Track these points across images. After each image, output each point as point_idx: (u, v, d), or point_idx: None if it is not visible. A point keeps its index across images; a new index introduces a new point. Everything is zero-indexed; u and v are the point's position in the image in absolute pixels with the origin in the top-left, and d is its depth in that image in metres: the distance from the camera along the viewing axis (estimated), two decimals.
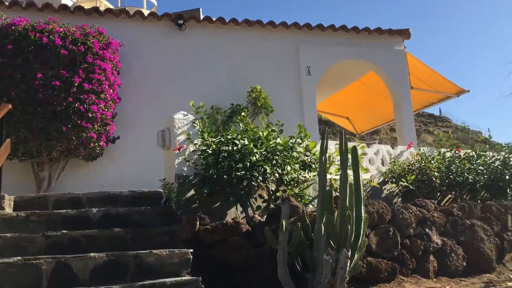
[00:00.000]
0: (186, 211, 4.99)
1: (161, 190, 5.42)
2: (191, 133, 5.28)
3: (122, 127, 7.84)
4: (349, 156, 4.12)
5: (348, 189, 3.91)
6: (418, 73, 10.28)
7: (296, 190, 5.10)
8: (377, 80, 10.84)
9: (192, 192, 5.10)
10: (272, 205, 5.15)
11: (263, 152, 4.99)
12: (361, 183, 3.82)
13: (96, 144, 7.24)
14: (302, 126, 5.37)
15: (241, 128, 7.95)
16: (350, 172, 4.24)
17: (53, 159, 7.25)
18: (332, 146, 6.55)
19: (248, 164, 4.81)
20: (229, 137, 5.07)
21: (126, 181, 7.62)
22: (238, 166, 4.82)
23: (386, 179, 6.66)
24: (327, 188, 4.07)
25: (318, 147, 5.66)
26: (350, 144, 6.41)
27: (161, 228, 4.57)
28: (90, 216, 4.65)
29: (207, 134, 5.19)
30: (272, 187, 5.18)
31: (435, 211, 5.15)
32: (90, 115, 7.02)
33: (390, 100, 11.70)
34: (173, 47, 8.54)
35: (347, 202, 3.86)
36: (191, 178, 5.16)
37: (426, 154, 6.91)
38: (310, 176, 5.28)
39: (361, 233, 3.68)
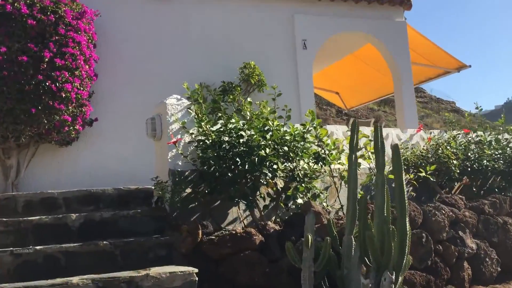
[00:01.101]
0: (183, 214, 4.27)
1: (151, 187, 4.68)
2: (186, 121, 4.51)
3: (100, 107, 6.97)
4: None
5: (385, 196, 3.24)
6: (417, 46, 9.62)
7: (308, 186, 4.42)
8: (372, 54, 10.17)
9: (188, 189, 4.37)
10: (281, 203, 4.47)
11: (272, 144, 4.26)
12: (404, 190, 3.16)
13: (71, 128, 6.37)
14: (313, 112, 4.64)
15: (234, 109, 7.24)
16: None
17: (21, 145, 6.37)
18: (340, 132, 5.88)
19: (257, 159, 4.09)
20: (230, 126, 4.32)
21: (105, 167, 6.86)
22: (244, 161, 4.09)
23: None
24: (358, 193, 3.39)
25: (330, 135, 4.99)
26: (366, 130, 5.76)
27: (156, 239, 3.83)
28: (68, 223, 3.88)
29: (205, 122, 4.42)
30: (281, 183, 4.48)
31: (466, 210, 4.56)
32: (64, 95, 6.13)
33: (384, 75, 11.10)
34: (156, 16, 7.61)
35: (385, 211, 3.20)
36: (187, 173, 4.42)
37: (440, 139, 6.31)
38: (323, 169, 4.59)
39: (406, 251, 3.03)
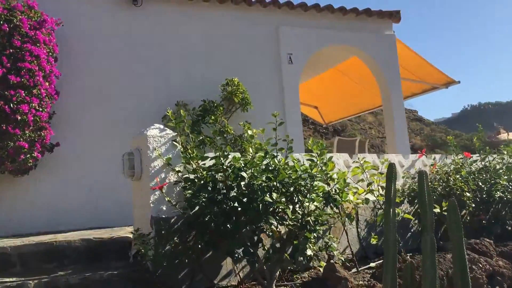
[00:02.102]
0: (168, 271, 3.48)
1: (127, 235, 3.86)
2: (171, 156, 3.72)
3: (62, 130, 6.06)
4: None
5: (435, 263, 2.55)
6: (405, 61, 9.11)
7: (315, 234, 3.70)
8: (356, 68, 9.64)
9: (174, 239, 3.58)
10: (286, 255, 3.73)
11: (278, 186, 3.53)
12: (466, 262, 2.47)
13: (28, 155, 5.46)
14: (322, 144, 3.93)
15: (215, 129, 6.47)
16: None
17: None
18: (341, 161, 5.21)
19: (261, 205, 3.35)
20: (226, 162, 3.56)
21: (68, 200, 5.99)
22: (245, 208, 3.34)
23: (402, 198, 5.41)
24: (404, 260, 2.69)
25: (336, 170, 4.30)
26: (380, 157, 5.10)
27: None
28: None
29: (195, 157, 3.65)
30: (284, 230, 3.75)
31: (499, 258, 3.94)
32: (19, 118, 5.24)
33: (366, 89, 10.60)
34: (126, 26, 6.77)
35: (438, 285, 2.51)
36: (173, 221, 3.63)
37: (445, 167, 5.73)
38: (332, 213, 3.89)
39: None
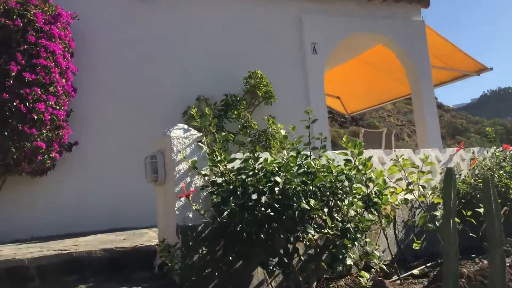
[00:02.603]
0: (197, 284, 3.21)
1: (152, 243, 3.61)
2: (196, 159, 3.44)
3: (81, 128, 5.84)
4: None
5: None
6: (433, 48, 8.68)
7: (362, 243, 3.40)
8: (381, 56, 9.24)
9: (203, 249, 3.31)
10: (323, 264, 3.43)
11: (316, 191, 3.23)
12: None
13: (46, 156, 5.24)
14: (360, 142, 3.61)
15: (239, 126, 6.19)
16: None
17: None
18: (375, 158, 4.88)
19: (297, 212, 3.06)
20: (256, 164, 3.27)
21: (89, 200, 5.75)
22: (280, 215, 3.06)
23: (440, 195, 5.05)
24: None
25: (372, 169, 3.97)
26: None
27: None
28: None
29: (223, 159, 3.36)
30: (321, 238, 3.45)
31: None
32: (35, 117, 5.01)
33: (392, 79, 10.20)
34: (144, 19, 6.49)
35: None
36: (200, 229, 3.36)
37: (485, 161, 5.36)
38: (375, 219, 3.57)
39: None
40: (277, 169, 3.13)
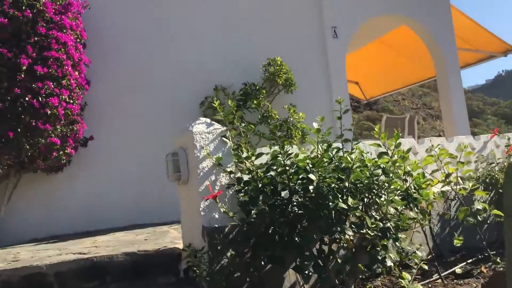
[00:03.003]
0: None
1: (176, 245, 3.39)
2: (221, 155, 3.20)
3: (96, 122, 5.64)
4: None
5: None
6: (458, 28, 8.31)
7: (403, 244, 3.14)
8: (401, 38, 8.90)
9: (230, 252, 3.09)
10: (361, 266, 3.19)
11: (351, 187, 2.98)
12: None
13: (61, 152, 5.05)
14: (397, 134, 3.33)
15: (259, 116, 5.94)
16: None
17: None
18: (406, 144, 4.59)
19: (334, 213, 2.81)
20: (287, 160, 3.01)
21: (107, 196, 5.59)
22: (315, 216, 2.81)
23: (478, 185, 4.76)
24: None
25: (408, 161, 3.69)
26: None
27: None
28: None
29: (251, 156, 3.12)
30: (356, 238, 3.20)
31: None
32: (49, 112, 4.81)
33: (413, 62, 9.85)
34: (158, 7, 6.23)
35: None
36: (227, 230, 3.13)
37: None
38: (417, 217, 3.30)
39: None
40: (311, 166, 2.87)
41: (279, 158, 3.06)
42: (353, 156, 2.96)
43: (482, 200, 4.68)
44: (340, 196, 2.87)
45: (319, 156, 2.98)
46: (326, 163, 2.99)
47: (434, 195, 3.73)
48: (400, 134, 3.62)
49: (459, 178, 3.95)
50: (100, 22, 5.83)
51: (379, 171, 3.19)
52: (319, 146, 3.06)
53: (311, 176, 2.81)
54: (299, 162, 2.96)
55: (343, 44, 6.95)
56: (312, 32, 6.88)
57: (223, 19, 6.44)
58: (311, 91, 6.69)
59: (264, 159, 3.27)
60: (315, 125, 3.11)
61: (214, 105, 3.39)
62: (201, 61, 6.25)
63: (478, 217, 3.70)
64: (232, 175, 3.22)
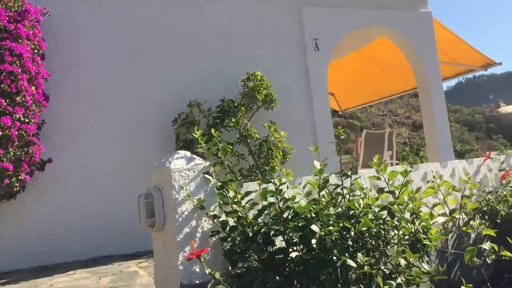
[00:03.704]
0: None
1: None
2: (202, 197, 2.71)
3: (55, 142, 5.05)
4: None
5: None
6: (438, 41, 8.08)
7: None
8: (381, 50, 8.61)
9: None
10: None
11: (356, 237, 2.54)
12: None
13: (14, 179, 4.45)
14: (407, 172, 2.92)
15: (237, 135, 5.47)
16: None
17: None
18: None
19: (339, 271, 2.37)
20: (281, 203, 2.57)
21: (64, 225, 5.03)
22: (318, 275, 2.36)
23: (474, 214, 4.43)
24: None
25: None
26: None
27: None
28: None
29: (239, 200, 2.65)
30: None
31: None
32: (0, 133, 4.22)
33: (390, 74, 9.60)
34: (130, 14, 5.68)
35: None
36: (209, 287, 2.65)
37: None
38: (430, 270, 2.89)
39: None
40: (314, 215, 2.42)
41: (271, 200, 2.61)
42: (361, 201, 2.53)
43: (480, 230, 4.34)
44: (346, 250, 2.43)
45: (322, 201, 2.54)
46: (328, 208, 2.55)
47: (439, 233, 3.36)
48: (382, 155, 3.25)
49: (463, 214, 3.58)
50: (62, 31, 5.25)
51: (384, 213, 2.78)
52: (324, 193, 2.61)
53: (314, 227, 2.36)
54: (299, 209, 2.51)
55: (324, 56, 6.57)
56: (292, 44, 6.46)
57: (198, 30, 5.94)
58: (292, 106, 6.28)
59: (253, 196, 2.82)
60: (316, 164, 2.67)
61: (195, 135, 2.91)
62: (175, 74, 5.74)
63: (487, 259, 3.33)
64: (216, 219, 2.75)
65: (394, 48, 7.94)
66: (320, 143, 6.35)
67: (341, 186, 2.83)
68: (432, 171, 4.42)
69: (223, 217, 2.77)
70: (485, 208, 4.39)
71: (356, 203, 2.49)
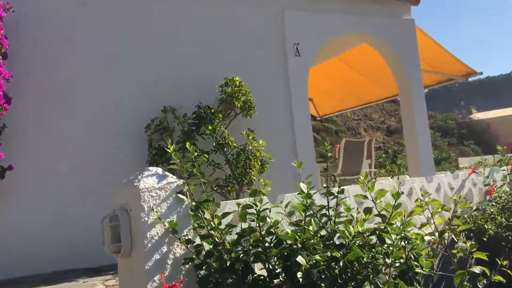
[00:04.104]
0: None
1: None
2: (176, 218, 2.44)
3: (17, 148, 4.69)
4: None
5: None
6: (420, 49, 7.96)
7: None
8: (361, 56, 8.46)
9: None
10: None
11: (344, 266, 2.30)
12: None
13: None
14: (399, 194, 2.70)
15: (213, 143, 5.19)
16: None
17: None
18: (389, 195, 4.00)
19: None
20: (264, 228, 2.32)
21: (25, 236, 4.65)
22: None
23: (461, 232, 4.24)
24: None
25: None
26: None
27: None
28: None
29: (216, 224, 2.39)
30: None
31: None
32: None
33: (370, 80, 9.46)
34: (97, 12, 5.35)
35: None
36: None
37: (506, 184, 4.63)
38: None
39: None
40: (300, 245, 2.17)
41: (251, 224, 2.36)
42: (351, 229, 2.29)
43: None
44: (333, 281, 2.19)
45: (309, 230, 2.29)
46: (316, 236, 2.30)
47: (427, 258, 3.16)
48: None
49: (452, 235, 3.38)
50: (26, 28, 4.88)
51: (374, 238, 2.55)
52: (310, 215, 2.36)
53: (300, 259, 2.11)
54: (282, 237, 2.26)
55: (305, 62, 6.35)
56: (272, 49, 6.22)
57: (174, 33, 5.64)
58: (271, 113, 6.04)
59: (230, 217, 2.57)
60: (303, 187, 2.42)
61: (168, 149, 2.63)
62: (148, 78, 5.42)
63: (479, 284, 3.14)
64: (190, 245, 2.47)
65: (374, 54, 7.79)
66: (299, 150, 6.14)
67: (327, 207, 2.60)
68: (417, 187, 4.23)
69: (198, 241, 2.51)
70: (472, 226, 4.22)
71: (346, 231, 2.25)
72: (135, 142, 5.18)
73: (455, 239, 3.40)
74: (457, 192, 4.66)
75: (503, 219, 3.99)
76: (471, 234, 4.30)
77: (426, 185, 4.32)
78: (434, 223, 3.48)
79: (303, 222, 2.45)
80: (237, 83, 5.33)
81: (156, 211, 2.38)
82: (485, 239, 4.14)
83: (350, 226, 2.30)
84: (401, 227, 2.54)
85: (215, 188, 5.11)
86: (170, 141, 5.22)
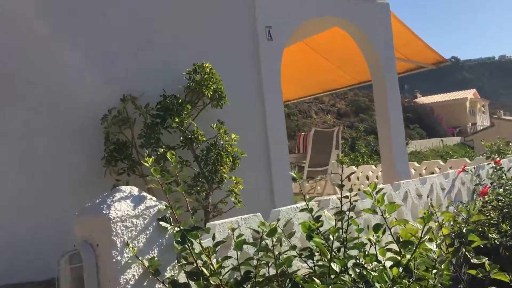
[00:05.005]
0: None
1: None
2: (157, 254, 1.88)
3: None
4: None
5: None
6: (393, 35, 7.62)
7: None
8: (328, 41, 8.03)
9: None
10: None
11: None
12: None
13: None
14: (395, 207, 2.24)
15: (180, 137, 4.60)
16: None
17: None
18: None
19: None
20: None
21: None
22: None
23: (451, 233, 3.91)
24: None
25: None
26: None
27: None
28: None
29: (216, 268, 1.85)
30: None
31: None
32: None
33: (337, 67, 9.07)
34: None
35: None
36: None
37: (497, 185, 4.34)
38: None
39: None
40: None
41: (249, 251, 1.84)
42: (390, 272, 1.81)
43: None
44: None
45: (334, 269, 1.79)
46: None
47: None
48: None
49: (466, 252, 2.99)
50: None
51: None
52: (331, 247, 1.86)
53: None
54: (298, 279, 1.75)
55: (278, 47, 5.81)
56: (244, 33, 5.64)
57: (133, 13, 4.96)
58: (241, 102, 5.50)
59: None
60: (313, 205, 1.91)
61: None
62: (105, 62, 4.73)
63: None
64: (174, 285, 1.92)
65: (343, 40, 7.39)
66: (271, 140, 5.67)
67: (341, 229, 2.13)
68: (412, 190, 3.84)
69: (183, 279, 1.97)
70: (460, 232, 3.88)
71: (385, 275, 1.76)
72: (92, 135, 4.52)
73: (469, 256, 3.02)
74: (447, 192, 4.32)
75: (508, 227, 3.66)
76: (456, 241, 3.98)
77: (420, 187, 3.94)
78: (441, 236, 3.09)
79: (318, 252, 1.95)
80: (207, 70, 4.73)
81: (132, 247, 1.81)
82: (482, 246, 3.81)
83: (388, 270, 1.82)
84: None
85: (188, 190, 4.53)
86: (131, 134, 4.60)
